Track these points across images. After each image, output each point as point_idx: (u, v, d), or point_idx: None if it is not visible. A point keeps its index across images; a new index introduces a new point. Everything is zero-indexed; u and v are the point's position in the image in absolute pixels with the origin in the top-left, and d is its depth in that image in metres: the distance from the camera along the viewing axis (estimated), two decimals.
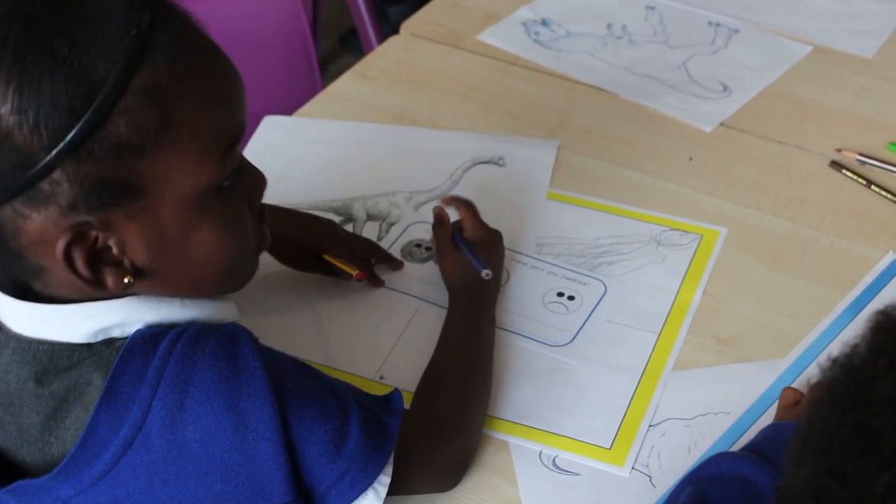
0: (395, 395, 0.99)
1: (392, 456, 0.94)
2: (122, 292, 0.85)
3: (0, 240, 0.81)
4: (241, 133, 0.87)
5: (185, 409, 0.83)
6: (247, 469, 0.85)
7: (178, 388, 0.83)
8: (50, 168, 0.77)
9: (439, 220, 1.27)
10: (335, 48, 3.24)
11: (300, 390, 0.88)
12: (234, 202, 0.89)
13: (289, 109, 1.58)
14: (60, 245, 0.80)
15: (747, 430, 1.08)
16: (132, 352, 0.84)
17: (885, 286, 1.25)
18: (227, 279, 0.94)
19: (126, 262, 0.84)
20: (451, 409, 1.06)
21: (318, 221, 1.27)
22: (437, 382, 1.09)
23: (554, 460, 1.09)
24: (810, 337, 1.19)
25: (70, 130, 0.76)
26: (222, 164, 0.85)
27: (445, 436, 1.04)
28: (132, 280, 0.84)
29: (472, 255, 1.21)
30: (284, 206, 1.24)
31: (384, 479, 0.93)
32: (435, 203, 1.34)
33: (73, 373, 0.84)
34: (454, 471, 1.06)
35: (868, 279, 1.26)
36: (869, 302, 1.24)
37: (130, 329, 0.86)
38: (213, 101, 0.83)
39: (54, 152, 0.76)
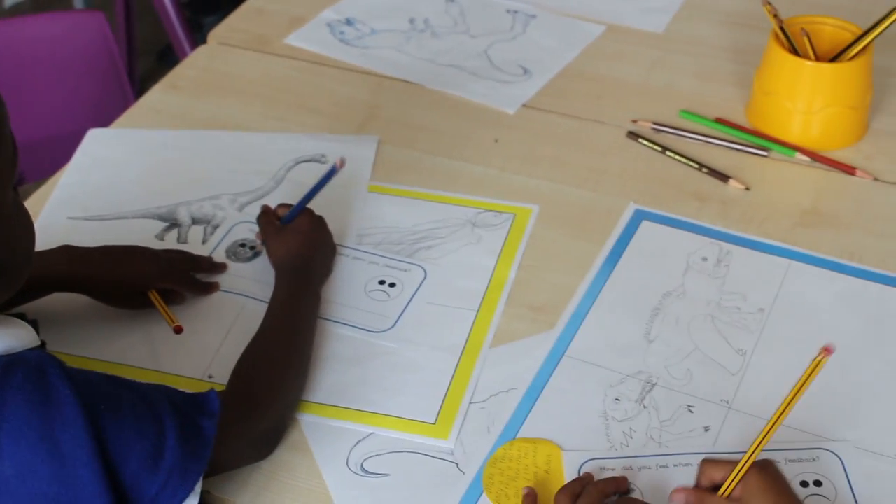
0: (210, 395, 1.01)
1: (208, 460, 0.96)
2: None
3: None
4: None
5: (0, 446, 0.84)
6: (67, 497, 0.86)
7: None
8: None
9: (263, 210, 1.32)
10: (154, 66, 3.20)
11: (114, 410, 0.90)
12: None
13: (102, 127, 1.57)
14: None
15: (535, 401, 1.14)
16: None
17: (633, 237, 1.33)
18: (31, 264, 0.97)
19: None
20: (265, 383, 1.09)
21: (133, 254, 1.26)
22: (254, 359, 1.11)
23: (362, 465, 1.10)
24: (573, 304, 1.25)
25: None
26: (16, 161, 0.91)
27: (257, 410, 1.07)
28: None
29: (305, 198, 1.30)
30: (109, 217, 1.22)
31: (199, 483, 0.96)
32: (259, 203, 1.37)
33: None
34: (266, 443, 1.09)
35: (616, 232, 1.34)
36: (622, 255, 1.30)
37: None
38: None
39: None
